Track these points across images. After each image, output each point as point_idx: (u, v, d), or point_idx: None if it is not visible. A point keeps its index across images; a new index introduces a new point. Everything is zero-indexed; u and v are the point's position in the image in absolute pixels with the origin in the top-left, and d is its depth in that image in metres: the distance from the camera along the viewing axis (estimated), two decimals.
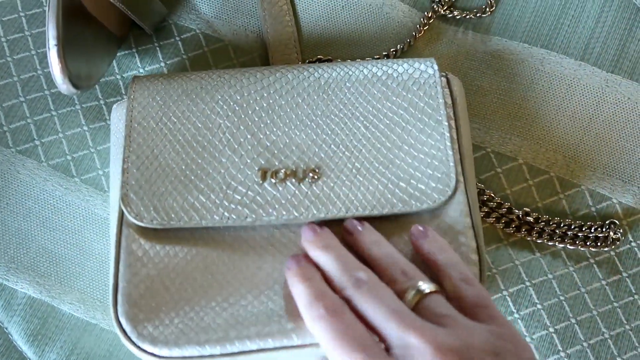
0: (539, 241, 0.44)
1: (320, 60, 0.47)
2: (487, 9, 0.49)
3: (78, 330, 0.43)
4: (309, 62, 0.47)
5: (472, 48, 0.48)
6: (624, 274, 0.44)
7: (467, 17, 0.49)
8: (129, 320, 0.34)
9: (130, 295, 0.35)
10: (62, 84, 0.40)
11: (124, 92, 0.47)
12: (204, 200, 0.37)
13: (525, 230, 0.44)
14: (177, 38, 0.48)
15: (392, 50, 0.48)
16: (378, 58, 0.47)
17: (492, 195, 0.44)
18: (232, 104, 0.39)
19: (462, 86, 0.42)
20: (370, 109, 0.39)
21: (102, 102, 0.47)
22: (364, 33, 0.49)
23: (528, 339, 0.42)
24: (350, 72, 0.40)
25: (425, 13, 0.49)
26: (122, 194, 0.37)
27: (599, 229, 0.44)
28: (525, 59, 0.47)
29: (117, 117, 0.40)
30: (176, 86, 0.40)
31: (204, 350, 0.34)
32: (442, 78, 0.40)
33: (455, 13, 0.49)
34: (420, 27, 0.48)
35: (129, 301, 0.35)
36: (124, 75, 0.47)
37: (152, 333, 0.34)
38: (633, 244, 0.44)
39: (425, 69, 0.40)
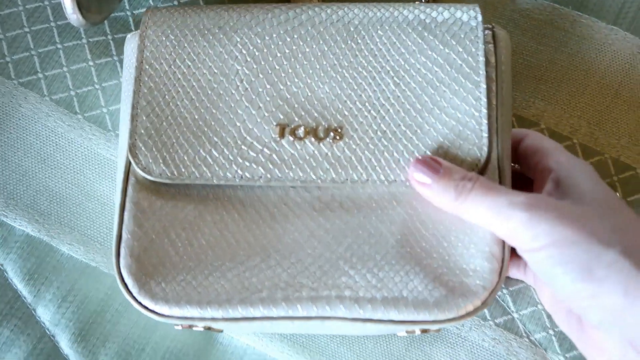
0: None
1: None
2: None
3: (76, 271, 0.41)
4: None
5: (499, 5, 0.46)
6: None
7: None
8: (131, 274, 0.33)
9: (134, 248, 0.33)
10: (71, 13, 0.38)
11: (133, 29, 0.45)
12: (217, 156, 0.34)
13: None
14: None
15: None
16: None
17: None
18: (251, 48, 0.36)
19: (510, 42, 0.37)
20: (403, 63, 0.36)
21: (109, 37, 0.45)
22: None
23: (526, 341, 0.41)
24: (384, 16, 0.36)
25: None
26: (129, 143, 0.34)
27: None
28: (555, 19, 0.45)
29: (131, 49, 0.37)
30: (191, 24, 0.36)
31: (205, 312, 0.32)
32: (488, 32, 0.37)
33: None
34: None
35: (132, 254, 0.33)
36: (134, 12, 0.45)
37: (153, 289, 0.32)
38: None
39: (467, 20, 0.36)
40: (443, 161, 0.33)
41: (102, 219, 0.42)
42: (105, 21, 0.45)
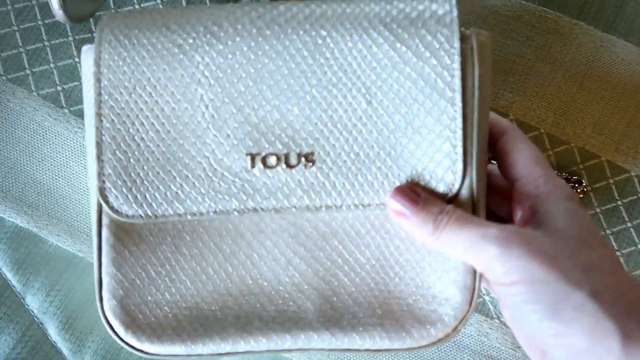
0: None
1: None
2: None
3: (64, 261, 0.43)
4: None
5: (468, 2, 0.48)
6: (608, 231, 0.44)
7: None
8: (117, 317, 0.33)
9: (116, 291, 0.33)
10: (57, 9, 0.40)
11: None
12: (189, 190, 0.33)
13: None
14: None
15: None
16: None
17: None
18: (214, 69, 0.33)
19: (491, 47, 0.35)
20: (375, 78, 0.33)
21: (95, 34, 0.46)
22: None
23: (496, 322, 0.42)
24: (354, 11, 0.34)
25: None
26: (99, 186, 0.33)
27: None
28: (522, 15, 0.48)
29: (88, 67, 0.34)
30: (148, 44, 0.33)
31: (190, 350, 0.33)
32: (468, 39, 0.34)
33: None
34: None
35: (115, 297, 0.33)
36: (119, 10, 0.47)
37: (138, 331, 0.33)
38: (619, 202, 0.45)
39: (442, 26, 0.33)
40: (422, 192, 0.33)
41: (89, 210, 0.43)
42: (91, 19, 0.46)
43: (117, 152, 0.33)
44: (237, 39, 0.34)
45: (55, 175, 0.44)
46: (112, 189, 0.33)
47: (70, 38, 0.46)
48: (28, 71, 0.45)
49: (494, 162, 0.39)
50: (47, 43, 0.46)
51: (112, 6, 0.47)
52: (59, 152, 0.44)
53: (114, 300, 0.33)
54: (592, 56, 0.47)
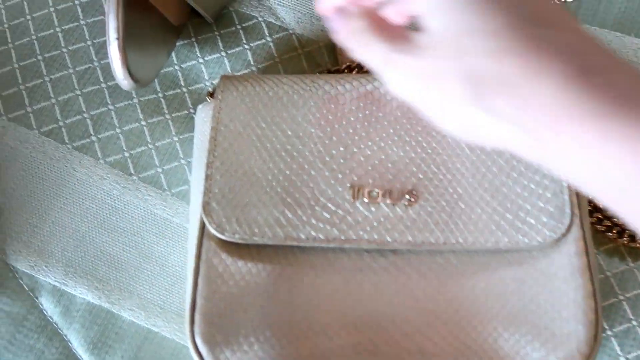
0: (632, 245, 0.40)
1: None
2: None
3: (139, 338, 0.40)
4: None
5: None
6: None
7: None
8: (206, 342, 0.32)
9: (209, 314, 0.32)
10: (122, 80, 0.37)
11: (182, 84, 0.44)
12: (290, 216, 0.34)
13: (616, 233, 0.40)
14: (239, 26, 0.45)
15: None
16: None
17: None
18: (325, 112, 0.36)
19: None
20: None
21: (160, 94, 0.44)
22: None
23: (622, 359, 0.39)
24: None
25: None
26: (203, 202, 0.34)
27: None
28: (618, 48, 0.43)
29: (202, 118, 0.38)
30: (266, 89, 0.37)
31: None
32: None
33: None
34: None
35: (207, 321, 0.32)
36: (182, 66, 0.44)
37: (229, 359, 0.32)
38: None
39: None
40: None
41: (161, 281, 0.41)
42: (155, 80, 0.44)
43: (225, 174, 0.35)
44: (347, 87, 0.36)
45: (126, 246, 0.42)
46: (216, 206, 0.34)
47: (135, 100, 0.44)
48: (94, 137, 0.43)
49: None
50: (111, 107, 0.44)
51: (176, 62, 0.44)
52: (129, 221, 0.42)
53: (205, 324, 0.32)
54: None
